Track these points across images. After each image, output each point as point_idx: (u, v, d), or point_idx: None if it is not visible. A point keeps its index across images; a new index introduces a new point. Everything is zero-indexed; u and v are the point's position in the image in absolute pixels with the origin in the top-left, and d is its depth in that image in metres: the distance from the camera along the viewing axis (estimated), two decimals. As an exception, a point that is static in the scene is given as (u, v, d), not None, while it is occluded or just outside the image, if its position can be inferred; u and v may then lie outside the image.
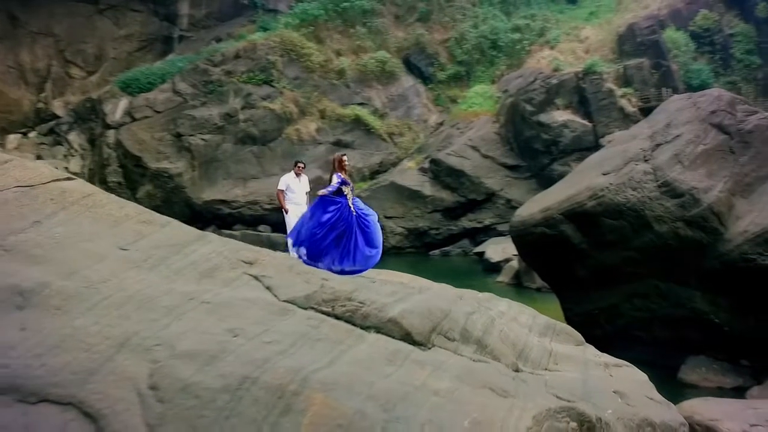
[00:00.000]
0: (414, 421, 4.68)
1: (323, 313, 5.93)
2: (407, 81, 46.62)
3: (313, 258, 8.15)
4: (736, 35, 41.98)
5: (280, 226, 38.26)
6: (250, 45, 44.88)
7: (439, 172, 38.30)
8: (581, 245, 15.41)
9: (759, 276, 13.22)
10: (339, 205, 8.38)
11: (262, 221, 37.96)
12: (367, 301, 6.26)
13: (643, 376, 9.66)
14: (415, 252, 37.16)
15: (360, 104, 44.21)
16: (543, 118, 37.53)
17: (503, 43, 46.22)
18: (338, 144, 42.50)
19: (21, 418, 4.08)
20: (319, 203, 8.43)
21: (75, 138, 42.92)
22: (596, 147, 36.46)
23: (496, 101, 42.34)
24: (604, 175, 15.26)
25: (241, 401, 4.40)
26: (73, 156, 42.47)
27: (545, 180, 36.37)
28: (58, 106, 45.92)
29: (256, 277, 6.10)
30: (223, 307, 5.36)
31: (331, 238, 8.21)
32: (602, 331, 15.29)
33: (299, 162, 11.48)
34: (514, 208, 36.55)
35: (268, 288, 6.02)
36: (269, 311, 5.54)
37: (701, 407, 10.14)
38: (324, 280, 6.50)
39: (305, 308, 5.89)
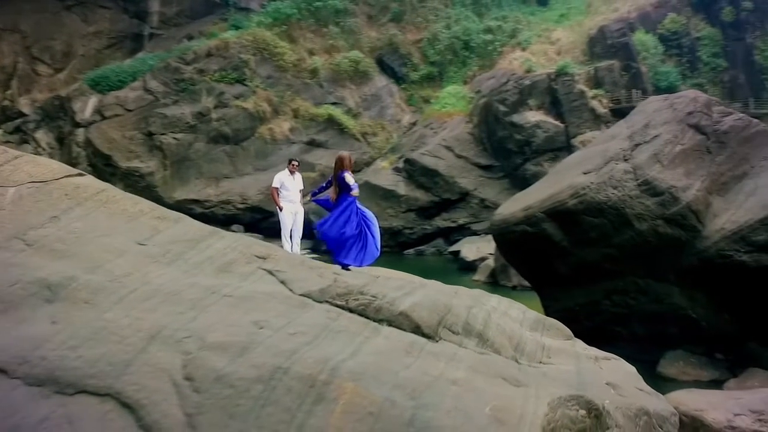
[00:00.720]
0: (440, 408, 4.82)
1: (338, 306, 6.04)
2: (380, 81, 46.79)
3: (336, 253, 8.29)
4: (702, 38, 42.99)
5: (253, 225, 38.39)
6: (223, 43, 44.62)
7: (413, 171, 38.54)
8: (562, 243, 15.69)
9: (735, 272, 13.64)
10: (353, 203, 8.54)
11: (234, 221, 37.76)
12: (378, 295, 6.38)
13: (631, 369, 9.91)
14: (390, 251, 37.30)
15: (333, 104, 44.26)
16: (516, 118, 38.01)
17: (475, 44, 46.64)
18: (312, 143, 42.56)
19: (60, 410, 4.13)
20: (353, 203, 8.54)
21: (42, 136, 42.19)
22: (568, 147, 37.14)
23: (468, 102, 42.72)
24: (584, 174, 15.57)
25: (275, 390, 4.50)
26: (40, 155, 41.58)
27: (518, 180, 36.85)
28: (24, 104, 45.11)
29: (270, 272, 6.18)
30: (245, 301, 5.44)
31: (353, 235, 8.38)
32: (582, 327, 15.50)
33: (293, 160, 11.53)
34: (488, 207, 37.09)
35: (282, 282, 6.11)
36: (289, 304, 5.64)
37: (686, 398, 10.45)
38: (336, 275, 6.61)
39: (320, 302, 5.99)
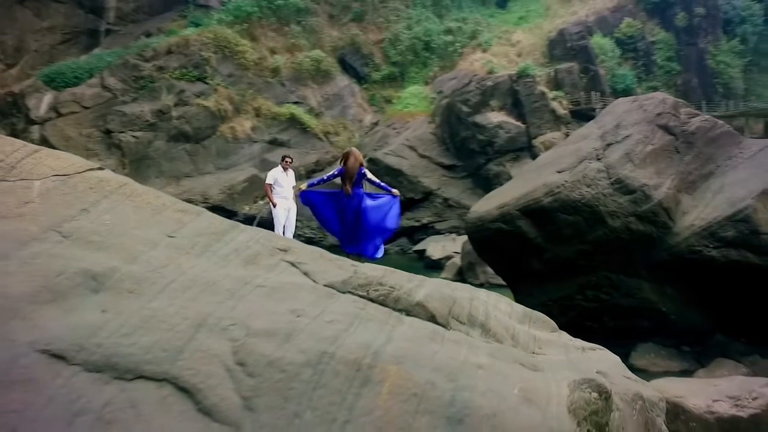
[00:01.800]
0: (475, 390, 5.08)
1: (360, 296, 6.23)
2: (342, 80, 46.96)
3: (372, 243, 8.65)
4: (657, 43, 44.40)
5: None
6: (183, 41, 44.17)
7: (377, 171, 38.59)
8: (537, 240, 16.10)
9: (704, 266, 14.24)
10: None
11: (197, 220, 37.36)
12: (396, 286, 6.58)
13: (616, 358, 10.31)
14: (354, 250, 37.48)
15: (295, 103, 44.24)
16: (478, 119, 38.63)
17: (436, 45, 47.19)
18: (274, 143, 42.46)
19: (122, 394, 4.24)
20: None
21: (-6, 133, 41.10)
22: (529, 148, 37.93)
23: (430, 102, 43.21)
24: (558, 173, 16.01)
25: (324, 374, 4.68)
26: (-7, 152, 40.68)
27: (481, 179, 37.45)
28: (-26, 100, 43.90)
29: (293, 264, 6.33)
30: (277, 291, 5.59)
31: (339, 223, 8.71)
32: (556, 322, 15.97)
33: (286, 157, 11.63)
34: (451, 207, 37.62)
35: (305, 274, 6.26)
36: (318, 294, 5.80)
37: (666, 386, 10.89)
38: (354, 266, 6.79)
39: (344, 292, 6.17)
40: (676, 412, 10.27)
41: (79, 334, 4.45)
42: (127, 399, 4.23)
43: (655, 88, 40.51)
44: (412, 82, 46.62)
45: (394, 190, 10.12)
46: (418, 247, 35.12)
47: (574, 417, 5.59)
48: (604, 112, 18.49)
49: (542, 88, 39.40)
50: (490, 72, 40.57)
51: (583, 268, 15.84)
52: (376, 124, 45.29)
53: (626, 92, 41.16)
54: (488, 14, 51.13)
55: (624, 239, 14.98)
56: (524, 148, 38.15)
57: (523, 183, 17.26)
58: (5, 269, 4.69)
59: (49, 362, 4.24)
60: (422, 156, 39.63)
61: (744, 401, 10.21)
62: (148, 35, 48.40)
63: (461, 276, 27.51)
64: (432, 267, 30.99)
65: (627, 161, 15.24)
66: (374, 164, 38.94)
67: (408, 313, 6.45)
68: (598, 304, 15.94)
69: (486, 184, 37.82)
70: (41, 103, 41.68)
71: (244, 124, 42.91)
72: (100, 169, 6.51)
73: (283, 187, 10.87)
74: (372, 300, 6.33)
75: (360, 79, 47.17)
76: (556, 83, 40.71)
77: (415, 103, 43.95)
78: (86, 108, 41.59)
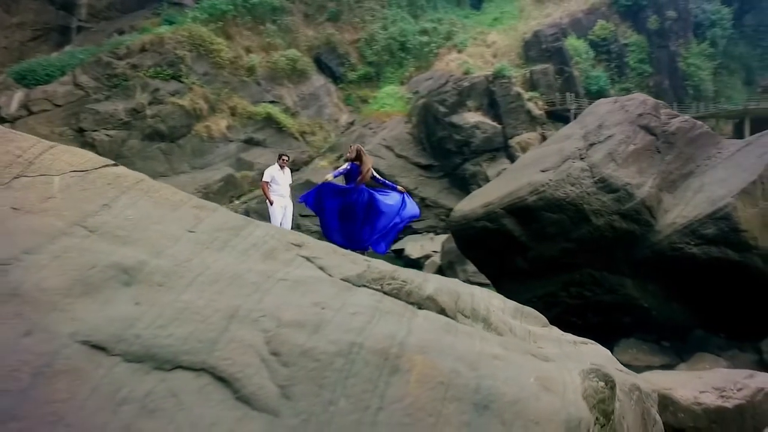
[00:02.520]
0: (497, 378, 5.27)
1: (375, 290, 6.38)
2: (318, 80, 46.89)
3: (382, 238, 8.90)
4: (630, 45, 45.12)
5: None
6: (157, 39, 43.68)
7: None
8: (521, 238, 16.40)
9: (685, 263, 14.65)
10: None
11: (171, 220, 37.11)
12: (408, 280, 6.74)
13: (607, 352, 10.59)
14: (332, 250, 37.52)
15: (271, 102, 44.06)
16: (455, 119, 38.91)
17: (411, 46, 47.37)
18: (250, 142, 42.28)
19: (162, 384, 4.34)
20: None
21: (-37, 131, 40.33)
22: (505, 148, 38.33)
23: (406, 102, 43.38)
24: (543, 172, 16.32)
25: (355, 363, 4.83)
26: (-38, 150, 39.92)
27: (457, 179, 37.75)
28: (-59, 97, 43.00)
29: (308, 258, 6.44)
30: (299, 284, 5.71)
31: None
32: (540, 319, 16.34)
33: (283, 155, 11.68)
34: (428, 206, 37.82)
35: (321, 268, 6.38)
36: (337, 287, 5.94)
37: (654, 378, 11.24)
38: (367, 261, 6.94)
39: (359, 286, 6.30)
40: (664, 404, 10.59)
41: (117, 325, 4.54)
42: (168, 388, 4.34)
43: (628, 90, 41.19)
44: (387, 82, 46.74)
45: (399, 187, 10.32)
46: (397, 246, 35.26)
47: (587, 404, 5.82)
48: (585, 113, 18.88)
49: (518, 88, 39.84)
50: (467, 72, 40.86)
51: (566, 265, 16.17)
52: (352, 123, 45.33)
53: (600, 94, 41.76)
54: (463, 15, 51.47)
55: (607, 237, 15.33)
56: (500, 149, 38.55)
57: (507, 182, 17.54)
58: (38, 263, 4.76)
59: (90, 353, 4.33)
60: (399, 156, 39.81)
61: (729, 392, 10.57)
62: (121, 33, 47.75)
63: (441, 275, 27.68)
64: (411, 266, 30.70)
65: (610, 161, 15.60)
66: (351, 164, 38.98)
67: (420, 307, 6.61)
68: (581, 300, 16.29)
69: (463, 183, 38.15)
70: (12, 101, 40.90)
71: (219, 123, 42.62)
72: (114, 165, 6.56)
73: (280, 184, 10.94)
74: (386, 293, 6.49)
75: (336, 78, 47.18)
76: (531, 84, 41.22)
77: (391, 103, 44.07)
78: (58, 106, 40.93)
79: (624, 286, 15.71)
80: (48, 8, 49.57)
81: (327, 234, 9.72)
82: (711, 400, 10.48)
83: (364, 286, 6.41)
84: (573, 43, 42.89)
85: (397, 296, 6.53)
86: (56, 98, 40.87)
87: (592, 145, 16.28)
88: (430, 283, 7.21)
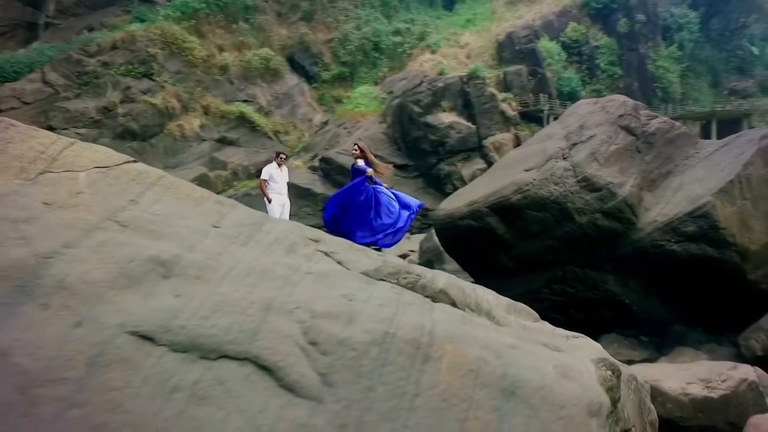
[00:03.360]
0: (520, 366, 5.51)
1: (392, 284, 6.57)
2: (291, 79, 46.78)
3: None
4: (600, 47, 45.89)
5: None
6: (129, 36, 43.15)
7: (329, 170, 38.91)
8: (505, 236, 16.70)
9: (666, 260, 15.08)
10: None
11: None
12: (421, 274, 6.95)
13: (597, 345, 10.86)
14: (307, 249, 37.47)
15: (244, 101, 43.82)
16: (430, 119, 39.20)
17: (385, 46, 47.55)
18: (223, 141, 42.01)
19: (209, 373, 4.48)
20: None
21: (-72, 129, 39.38)
22: (480, 148, 38.75)
23: (380, 102, 43.53)
24: (526, 171, 16.64)
25: (389, 352, 5.02)
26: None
27: (432, 179, 38.07)
28: None
29: (326, 253, 6.60)
30: (324, 277, 5.87)
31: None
32: (523, 315, 16.66)
33: (281, 153, 11.79)
34: (404, 205, 38.06)
35: (339, 262, 6.55)
36: (360, 281, 6.11)
37: (643, 370, 11.58)
38: (381, 256, 7.12)
39: (377, 279, 6.49)
40: (653, 395, 10.93)
41: (162, 316, 4.66)
42: (215, 377, 4.48)
43: (599, 91, 41.98)
44: (361, 82, 46.83)
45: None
46: (373, 246, 35.39)
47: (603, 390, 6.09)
48: (566, 113, 19.26)
49: (492, 89, 40.28)
50: (441, 73, 41.17)
51: (550, 262, 16.51)
52: (325, 123, 45.32)
53: (572, 95, 42.47)
54: (435, 16, 51.82)
55: (590, 235, 15.70)
56: (475, 149, 38.96)
57: (491, 181, 17.83)
58: (79, 256, 4.86)
59: (138, 343, 4.46)
60: (374, 155, 39.72)
61: (714, 383, 10.98)
62: (91, 30, 47.03)
63: (419, 273, 27.94)
64: (388, 265, 31.26)
65: (592, 160, 15.97)
66: (327, 163, 39.09)
67: (434, 300, 6.82)
68: (564, 297, 16.63)
69: (437, 183, 38.46)
70: (-22, 98, 40.11)
71: (192, 122, 42.26)
72: (134, 161, 6.65)
73: (278, 182, 11.06)
74: (403, 287, 6.68)
75: (309, 78, 47.13)
76: (505, 85, 41.72)
77: (366, 103, 44.17)
78: (27, 104, 40.21)
79: (606, 283, 16.11)
80: (15, 4, 48.62)
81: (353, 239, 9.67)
82: (697, 390, 10.88)
83: (382, 279, 6.60)
84: (545, 45, 43.48)
85: (413, 289, 6.73)
86: (25, 96, 40.16)
87: (574, 145, 16.66)
88: (440, 277, 7.42)
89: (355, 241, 8.78)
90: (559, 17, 45.69)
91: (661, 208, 15.52)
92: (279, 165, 11.34)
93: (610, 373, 6.81)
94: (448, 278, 7.61)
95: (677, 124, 18.08)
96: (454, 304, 6.99)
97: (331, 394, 4.65)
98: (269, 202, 10.94)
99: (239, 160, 41.45)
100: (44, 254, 4.72)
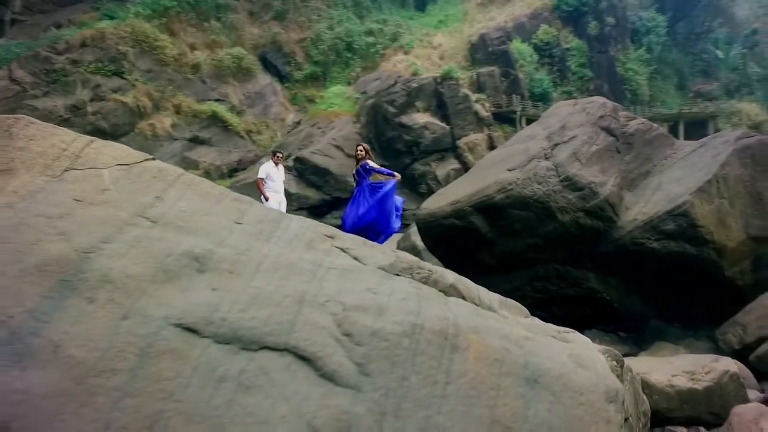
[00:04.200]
0: (540, 355, 5.75)
1: (409, 278, 6.75)
2: (264, 79, 46.65)
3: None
4: (571, 50, 46.68)
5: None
6: (98, 33, 42.57)
7: (304, 170, 38.95)
8: (488, 234, 16.96)
9: (646, 257, 15.50)
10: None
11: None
12: (432, 270, 7.15)
13: (587, 339, 11.23)
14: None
15: (216, 100, 43.57)
16: (404, 119, 39.49)
17: (358, 46, 47.69)
18: (195, 140, 41.73)
19: (253, 363, 4.62)
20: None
21: None
22: (454, 148, 39.13)
23: (354, 102, 43.67)
24: (509, 171, 16.93)
25: (419, 343, 5.21)
26: None
27: (407, 179, 38.27)
28: None
29: (342, 249, 6.76)
30: (347, 272, 6.03)
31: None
32: (506, 312, 16.98)
33: (278, 152, 11.89)
34: (379, 205, 38.27)
35: (355, 258, 6.71)
36: (379, 276, 6.28)
37: (629, 363, 11.94)
38: (394, 252, 7.30)
39: (394, 274, 6.67)
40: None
41: (203, 309, 4.79)
42: (258, 367, 4.63)
43: (569, 93, 42.75)
44: (334, 82, 46.91)
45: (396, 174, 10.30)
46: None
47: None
48: (547, 114, 19.63)
49: (465, 90, 40.73)
50: (415, 74, 41.51)
51: (532, 260, 16.83)
52: (298, 123, 45.31)
53: (543, 96, 43.16)
54: (407, 17, 52.15)
55: (573, 233, 16.05)
56: (449, 149, 39.37)
57: (473, 181, 18.09)
58: (117, 251, 4.95)
59: (184, 335, 4.58)
60: (349, 155, 40.01)
61: (698, 375, 11.37)
62: (59, 27, 46.30)
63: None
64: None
65: (574, 160, 16.33)
66: (301, 163, 39.11)
67: (446, 294, 7.03)
68: (546, 294, 16.97)
69: (412, 183, 38.74)
70: (-57, 95, 39.27)
71: (163, 122, 41.89)
72: (152, 158, 6.73)
73: (275, 181, 11.17)
74: (417, 281, 6.88)
75: (282, 77, 47.06)
76: (478, 86, 42.20)
77: (339, 102, 44.27)
78: (-7, 101, 39.45)
79: (587, 280, 16.49)
80: (-21, 0, 47.79)
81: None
82: (683, 382, 11.26)
83: (398, 274, 6.78)
84: (518, 47, 44.08)
85: (426, 284, 6.93)
86: (-9, 93, 39.48)
87: (556, 145, 17.00)
88: (448, 273, 7.63)
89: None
90: (531, 19, 46.36)
91: (641, 207, 15.95)
92: (276, 164, 11.45)
93: (615, 363, 7.10)
94: (453, 274, 7.83)
95: (655, 125, 18.58)
96: (464, 299, 7.21)
97: (369, 383, 4.83)
98: (266, 200, 11.04)
99: (211, 159, 41.25)
100: (84, 249, 4.81)
